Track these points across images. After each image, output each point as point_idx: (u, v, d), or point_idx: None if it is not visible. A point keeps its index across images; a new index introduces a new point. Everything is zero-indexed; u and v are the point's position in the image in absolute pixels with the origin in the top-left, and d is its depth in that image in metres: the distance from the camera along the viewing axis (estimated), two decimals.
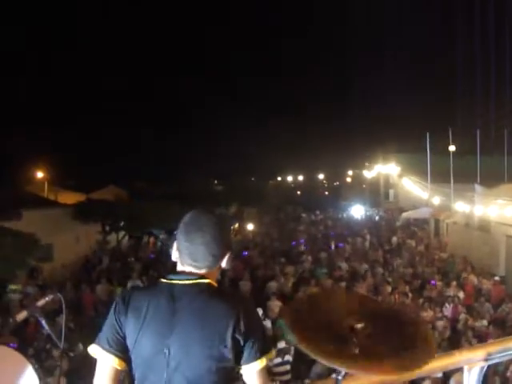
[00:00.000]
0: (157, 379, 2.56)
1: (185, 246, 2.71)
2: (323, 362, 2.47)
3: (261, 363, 2.64)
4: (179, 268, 2.77)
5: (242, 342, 2.60)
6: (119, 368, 2.60)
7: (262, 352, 2.64)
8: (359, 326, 2.55)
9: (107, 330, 2.64)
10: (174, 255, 2.79)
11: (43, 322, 3.25)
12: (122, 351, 2.60)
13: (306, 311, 2.74)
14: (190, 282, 2.66)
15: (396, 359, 2.48)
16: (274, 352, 2.80)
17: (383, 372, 2.48)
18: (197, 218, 2.76)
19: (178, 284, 2.66)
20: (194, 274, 2.70)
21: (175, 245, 2.78)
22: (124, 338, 2.61)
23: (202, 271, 2.71)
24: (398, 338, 2.60)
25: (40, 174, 45.26)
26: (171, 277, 2.70)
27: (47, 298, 3.32)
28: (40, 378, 2.81)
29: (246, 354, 2.62)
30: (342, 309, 2.73)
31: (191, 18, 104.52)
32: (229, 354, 2.57)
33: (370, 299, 2.99)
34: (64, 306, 3.37)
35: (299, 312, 2.73)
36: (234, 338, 2.57)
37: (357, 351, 2.45)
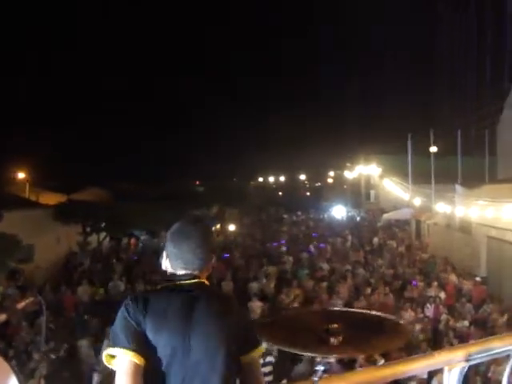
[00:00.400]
0: (179, 374, 2.68)
1: (174, 252, 2.92)
2: (306, 353, 2.55)
3: (258, 352, 2.86)
4: (172, 272, 2.95)
5: (242, 333, 2.81)
6: (140, 364, 2.66)
7: (258, 342, 2.86)
8: (334, 326, 2.64)
9: (123, 330, 2.71)
10: (165, 264, 2.98)
11: (23, 324, 3.23)
12: (142, 348, 2.67)
13: (280, 327, 2.85)
14: (193, 281, 2.87)
15: (371, 342, 2.68)
16: (263, 345, 2.98)
17: (362, 353, 2.68)
18: (183, 228, 2.97)
19: (186, 284, 2.86)
20: (190, 275, 2.89)
21: (164, 254, 2.99)
22: (143, 336, 2.69)
23: (195, 273, 2.91)
24: (369, 328, 2.76)
25: (21, 175, 44.97)
26: (175, 278, 2.90)
27: (27, 300, 3.30)
28: (20, 382, 2.78)
29: (245, 345, 2.81)
30: (313, 320, 2.84)
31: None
32: (236, 345, 2.76)
33: (333, 309, 3.09)
34: (44, 308, 3.35)
35: (274, 327, 2.82)
36: (237, 330, 2.79)
37: (335, 342, 2.57)
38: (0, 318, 2.97)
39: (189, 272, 2.90)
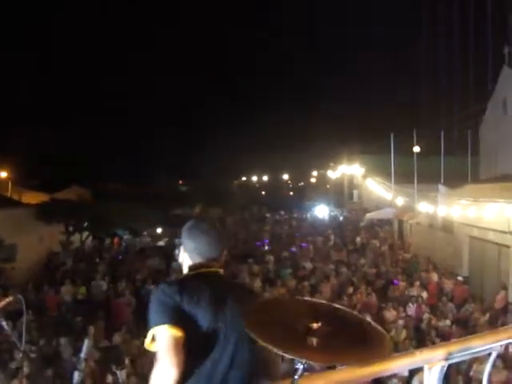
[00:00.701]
0: (215, 346, 2.95)
1: (192, 246, 3.29)
2: (283, 354, 2.52)
3: None
4: (191, 263, 3.31)
5: None
6: (181, 336, 2.87)
7: None
8: (315, 325, 2.58)
9: (161, 308, 2.96)
10: (182, 257, 3.37)
11: (4, 323, 3.21)
12: (181, 322, 2.89)
13: (260, 315, 2.79)
14: (212, 269, 3.27)
15: (352, 351, 2.57)
16: None
17: (340, 361, 2.62)
18: (198, 225, 3.36)
19: (210, 271, 3.26)
20: (209, 265, 3.27)
21: (182, 248, 3.38)
22: (181, 311, 2.94)
23: (213, 263, 3.29)
24: (352, 335, 2.65)
25: (3, 174, 44.70)
26: (196, 268, 3.26)
27: (7, 299, 3.28)
28: (1, 381, 2.76)
29: None
30: (296, 312, 2.74)
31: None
32: None
33: (320, 303, 3.03)
34: (25, 307, 3.35)
35: (254, 315, 2.79)
36: None
37: (315, 344, 2.50)
38: None
39: (207, 262, 3.26)
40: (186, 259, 3.34)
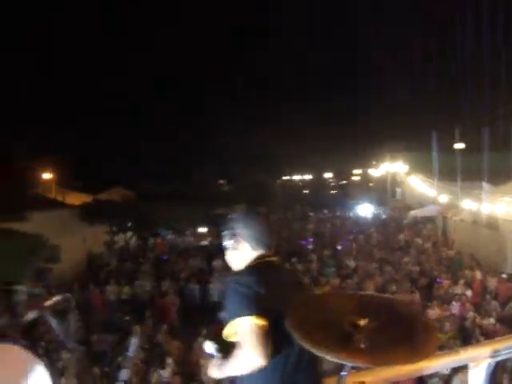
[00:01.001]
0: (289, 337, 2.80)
1: (251, 236, 3.38)
2: (328, 357, 2.49)
3: None
4: (253, 253, 3.38)
5: None
6: (265, 324, 2.91)
7: None
8: (362, 322, 2.56)
9: (241, 300, 3.01)
10: (242, 247, 3.40)
11: (53, 321, 3.28)
12: (262, 310, 2.94)
13: (306, 313, 2.78)
14: (272, 258, 3.39)
15: (400, 350, 2.51)
16: None
17: (388, 363, 2.55)
18: (254, 217, 3.50)
19: (273, 260, 3.40)
20: (268, 255, 3.39)
21: (240, 239, 3.40)
22: (260, 299, 2.99)
23: (269, 252, 3.42)
24: (400, 330, 2.62)
25: (47, 176, 45.29)
26: (262, 256, 3.36)
27: (56, 298, 3.35)
28: (53, 377, 2.84)
29: None
30: (342, 308, 2.73)
31: (191, 18, 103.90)
32: None
33: (369, 296, 3.01)
34: (73, 305, 3.41)
35: (300, 313, 2.78)
36: None
37: (362, 346, 2.46)
38: (29, 316, 3.01)
39: (268, 252, 3.39)
40: (246, 249, 3.38)
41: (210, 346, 3.13)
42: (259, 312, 2.88)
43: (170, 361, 12.53)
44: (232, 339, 2.99)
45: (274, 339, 2.91)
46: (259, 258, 3.32)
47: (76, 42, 76.39)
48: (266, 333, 2.87)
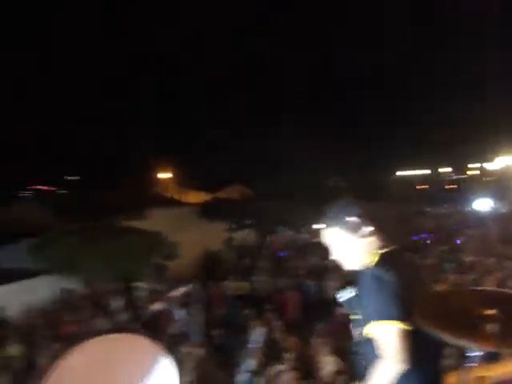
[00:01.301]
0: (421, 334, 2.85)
1: (377, 227, 3.44)
2: (457, 342, 2.49)
3: None
4: (377, 243, 3.44)
5: None
6: (407, 329, 2.95)
7: None
8: (491, 312, 2.57)
9: (395, 303, 2.99)
10: (368, 238, 3.44)
11: (177, 313, 3.40)
12: (403, 314, 2.97)
13: (434, 306, 2.78)
14: (402, 251, 3.51)
15: None
16: None
17: None
18: (375, 207, 3.71)
19: (402, 254, 3.50)
20: (395, 248, 3.46)
21: (366, 233, 3.45)
22: (402, 304, 2.99)
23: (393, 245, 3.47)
24: None
25: (166, 175, 46.42)
26: (389, 246, 3.43)
27: (182, 289, 3.48)
28: (177, 371, 2.94)
29: None
30: (468, 302, 2.74)
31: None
32: None
33: (493, 290, 2.97)
34: (196, 298, 3.54)
35: (428, 306, 2.78)
36: None
37: (495, 330, 2.49)
38: (154, 307, 3.14)
39: (390, 245, 3.43)
40: (372, 241, 3.41)
41: (344, 293, 3.20)
42: (402, 316, 2.89)
43: (288, 356, 12.60)
44: (373, 337, 3.01)
45: (414, 339, 2.91)
46: (389, 250, 3.34)
47: None
48: (408, 335, 2.88)
